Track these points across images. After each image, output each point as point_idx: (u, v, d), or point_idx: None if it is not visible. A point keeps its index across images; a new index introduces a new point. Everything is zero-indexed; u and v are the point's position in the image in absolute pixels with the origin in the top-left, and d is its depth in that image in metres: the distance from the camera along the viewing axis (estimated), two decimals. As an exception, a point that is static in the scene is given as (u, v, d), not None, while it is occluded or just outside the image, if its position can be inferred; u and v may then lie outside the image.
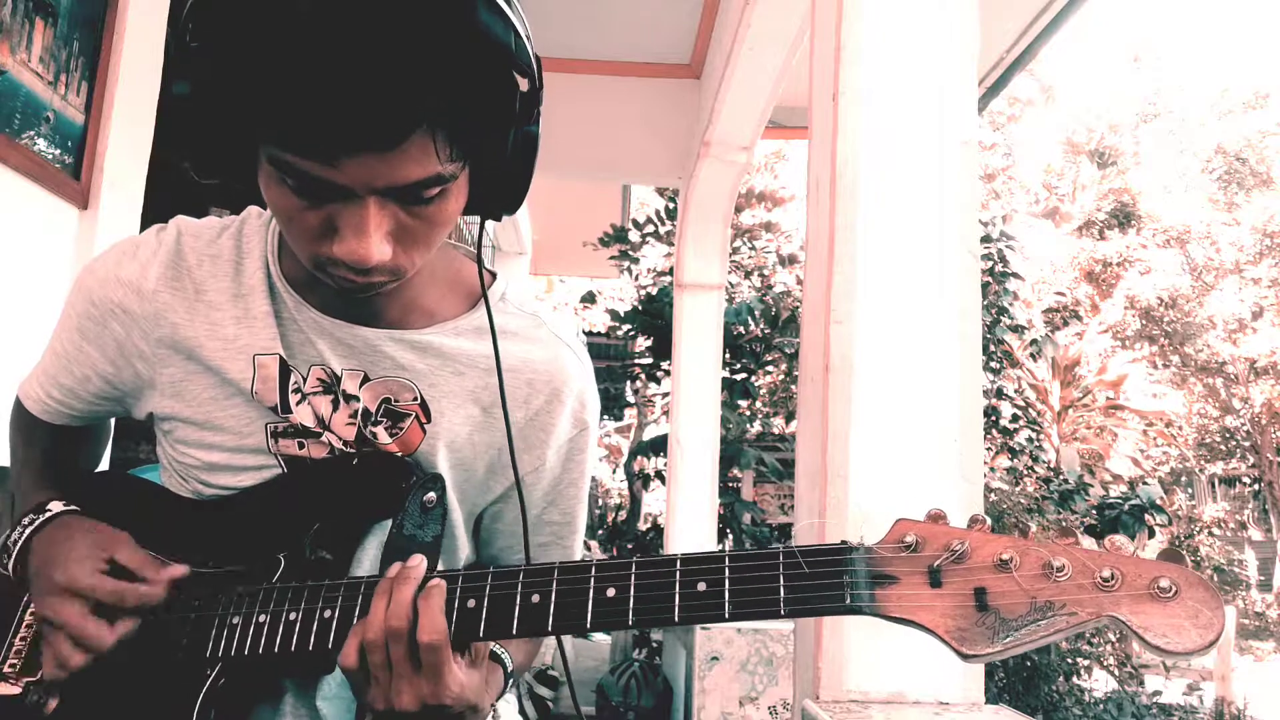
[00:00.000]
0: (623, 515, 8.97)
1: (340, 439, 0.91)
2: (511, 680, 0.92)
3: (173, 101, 0.75)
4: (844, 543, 0.70)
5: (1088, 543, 0.66)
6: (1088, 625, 0.63)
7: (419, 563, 0.78)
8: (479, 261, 0.95)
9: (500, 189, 0.83)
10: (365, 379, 0.91)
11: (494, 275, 0.98)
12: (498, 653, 0.89)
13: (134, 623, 0.85)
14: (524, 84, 0.75)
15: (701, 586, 0.71)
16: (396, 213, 0.74)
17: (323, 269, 0.78)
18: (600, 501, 12.50)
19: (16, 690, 0.90)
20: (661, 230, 7.81)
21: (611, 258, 7.99)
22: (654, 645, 5.48)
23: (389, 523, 0.89)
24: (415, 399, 0.91)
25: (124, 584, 0.85)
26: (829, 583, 0.68)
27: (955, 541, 0.67)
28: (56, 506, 0.93)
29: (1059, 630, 0.63)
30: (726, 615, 0.70)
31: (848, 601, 0.67)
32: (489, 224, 0.89)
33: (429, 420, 0.92)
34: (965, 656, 0.64)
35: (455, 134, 0.72)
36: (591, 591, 0.73)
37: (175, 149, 0.79)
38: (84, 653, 0.84)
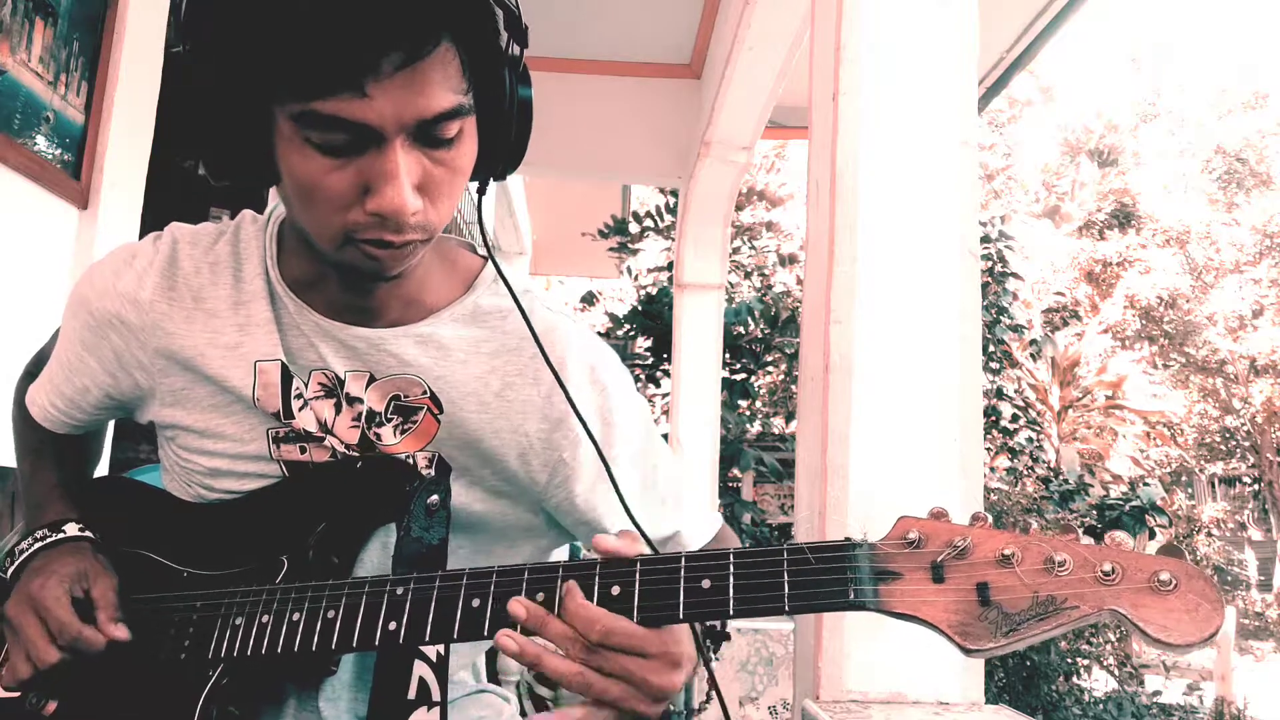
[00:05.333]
0: (623, 515, 8.96)
1: (343, 442, 0.91)
2: None
3: (184, 104, 0.76)
4: (847, 539, 0.70)
5: (1088, 540, 0.66)
6: (1089, 619, 0.63)
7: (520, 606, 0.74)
8: (487, 246, 0.94)
9: (502, 144, 0.84)
10: (371, 379, 0.90)
11: (485, 259, 0.97)
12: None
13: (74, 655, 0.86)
14: (505, 18, 0.78)
15: (706, 584, 0.71)
16: (421, 159, 0.75)
17: (351, 242, 0.77)
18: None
19: (15, 693, 0.91)
20: (661, 225, 7.81)
21: (611, 249, 7.98)
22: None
23: (392, 526, 0.89)
24: (424, 393, 0.91)
25: (70, 619, 0.86)
26: (833, 579, 0.68)
27: (958, 538, 0.67)
28: (72, 529, 0.94)
29: (1061, 624, 0.63)
30: (731, 611, 0.70)
31: (851, 597, 0.67)
32: (488, 223, 0.90)
33: (441, 413, 0.91)
34: (968, 651, 0.64)
35: (468, 58, 0.74)
36: (596, 590, 0.73)
37: (191, 153, 0.79)
38: (31, 667, 0.86)
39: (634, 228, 7.87)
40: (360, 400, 0.90)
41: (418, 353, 0.90)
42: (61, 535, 0.93)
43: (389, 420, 0.90)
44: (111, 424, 1.14)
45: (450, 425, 0.91)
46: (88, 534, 0.95)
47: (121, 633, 0.86)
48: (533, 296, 0.96)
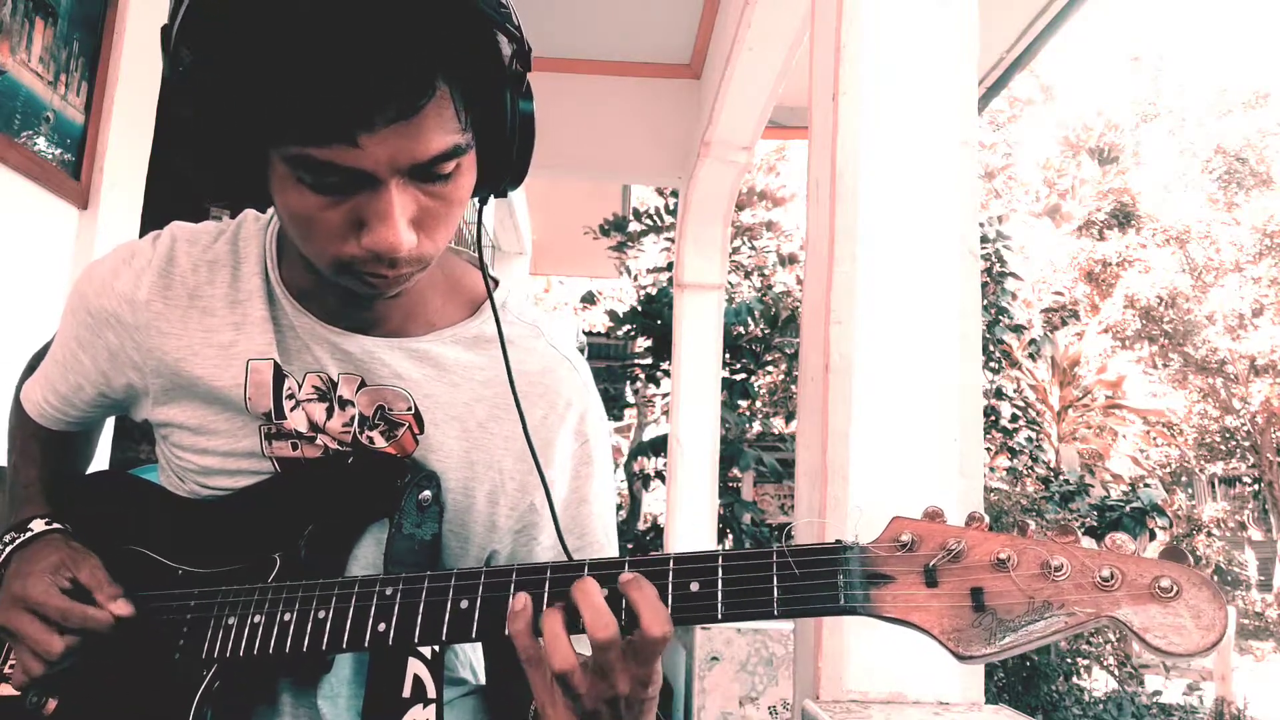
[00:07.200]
0: (622, 515, 8.99)
1: (336, 443, 0.90)
2: None
3: (176, 127, 0.75)
4: (838, 542, 0.68)
5: (1088, 542, 0.64)
6: (1087, 626, 0.61)
7: (524, 604, 0.72)
8: (483, 268, 0.92)
9: (504, 164, 0.82)
10: (362, 384, 0.90)
11: (496, 282, 0.96)
12: None
13: (80, 638, 0.86)
14: (508, 44, 0.76)
15: (695, 587, 0.70)
16: (417, 195, 0.74)
17: (349, 270, 0.77)
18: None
19: (16, 691, 0.91)
20: (661, 225, 7.82)
21: (611, 248, 7.99)
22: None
23: (385, 522, 0.89)
24: (409, 409, 0.90)
25: (71, 603, 0.86)
26: (823, 583, 0.67)
27: (952, 540, 0.65)
28: (39, 525, 0.94)
29: (1057, 631, 0.61)
30: (720, 616, 0.69)
31: (842, 602, 0.66)
32: (488, 225, 0.89)
33: (421, 432, 0.90)
34: (961, 657, 0.63)
35: (466, 97, 0.73)
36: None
37: (186, 172, 0.78)
38: (41, 662, 0.86)
39: (634, 225, 7.88)
40: (352, 404, 0.90)
41: (410, 366, 0.90)
42: (29, 534, 0.93)
43: (376, 425, 0.90)
44: (111, 424, 1.14)
45: (426, 449, 0.90)
46: (55, 526, 0.95)
47: (125, 608, 0.86)
48: (539, 331, 0.95)
